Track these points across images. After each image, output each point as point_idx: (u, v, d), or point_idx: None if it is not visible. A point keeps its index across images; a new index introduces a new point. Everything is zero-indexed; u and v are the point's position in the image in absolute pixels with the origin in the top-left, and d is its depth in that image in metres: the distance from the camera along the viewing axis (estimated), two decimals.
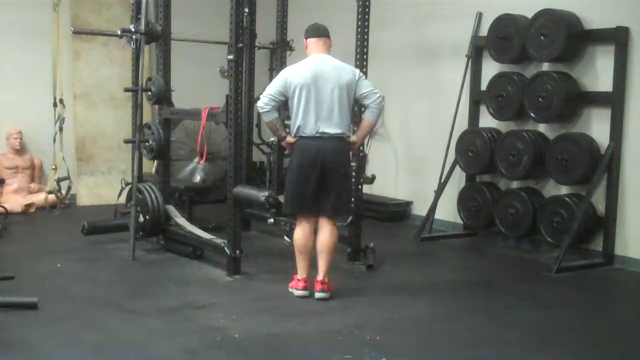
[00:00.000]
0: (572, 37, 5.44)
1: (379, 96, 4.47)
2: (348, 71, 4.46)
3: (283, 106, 4.54)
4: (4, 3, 7.23)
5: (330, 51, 4.53)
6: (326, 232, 4.45)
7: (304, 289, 4.45)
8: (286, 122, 4.70)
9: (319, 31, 4.52)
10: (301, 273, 4.48)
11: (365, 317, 4.13)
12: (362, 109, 4.76)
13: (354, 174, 5.17)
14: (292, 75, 4.39)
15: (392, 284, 4.86)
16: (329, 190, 4.39)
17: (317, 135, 4.36)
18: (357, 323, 3.99)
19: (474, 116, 6.40)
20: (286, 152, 4.78)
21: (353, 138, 4.53)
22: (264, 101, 4.37)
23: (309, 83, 4.34)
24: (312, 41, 4.51)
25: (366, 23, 5.21)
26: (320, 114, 4.34)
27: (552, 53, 5.52)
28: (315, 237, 4.48)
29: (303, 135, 4.38)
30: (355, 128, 4.76)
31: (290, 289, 4.52)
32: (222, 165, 7.01)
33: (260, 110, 4.42)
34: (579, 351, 3.71)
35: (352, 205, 5.03)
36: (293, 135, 4.43)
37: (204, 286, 4.68)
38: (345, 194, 4.56)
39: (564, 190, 5.72)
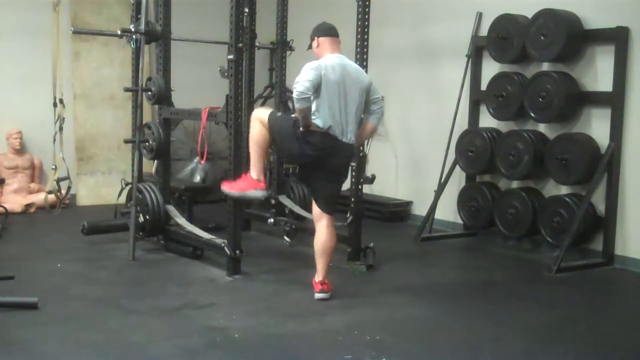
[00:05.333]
0: (572, 37, 5.44)
1: (383, 103, 4.53)
2: (365, 75, 4.50)
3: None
4: (4, 3, 7.23)
5: None
6: (325, 234, 4.44)
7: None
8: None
9: (332, 31, 4.50)
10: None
11: (365, 317, 4.13)
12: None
13: (353, 173, 5.21)
14: (326, 69, 4.25)
15: (392, 284, 4.86)
16: (330, 188, 4.42)
17: (341, 134, 4.32)
18: (357, 323, 3.98)
19: (474, 116, 6.40)
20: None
21: None
22: (306, 86, 4.13)
23: (340, 82, 4.28)
24: (326, 40, 4.46)
25: (366, 23, 5.22)
26: (348, 115, 4.32)
27: (552, 53, 5.52)
28: (313, 239, 4.49)
29: (329, 133, 4.29)
30: None
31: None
32: (222, 165, 7.01)
33: (302, 97, 4.12)
34: (579, 351, 3.70)
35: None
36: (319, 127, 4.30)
37: (204, 286, 4.68)
38: (337, 194, 4.58)
39: (564, 190, 5.72)
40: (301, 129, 4.30)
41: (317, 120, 4.27)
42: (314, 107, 4.25)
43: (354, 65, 4.48)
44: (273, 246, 5.76)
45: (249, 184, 4.36)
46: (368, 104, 4.48)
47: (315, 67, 4.25)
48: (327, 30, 4.50)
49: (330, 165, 4.37)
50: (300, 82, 4.17)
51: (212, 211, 6.54)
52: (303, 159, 4.45)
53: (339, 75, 4.29)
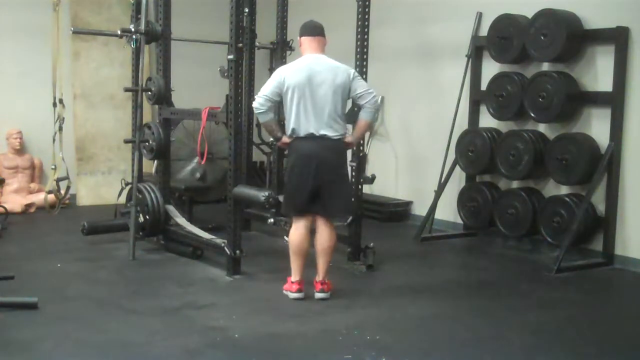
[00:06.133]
0: (572, 37, 5.44)
1: (374, 96, 4.42)
2: (342, 71, 4.39)
3: (279, 106, 4.53)
4: (4, 3, 7.23)
5: (328, 51, 4.49)
6: (325, 234, 4.43)
7: (299, 291, 4.41)
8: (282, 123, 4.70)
9: (314, 30, 4.47)
10: (295, 275, 4.43)
11: (365, 317, 4.13)
12: (357, 109, 4.75)
13: (353, 173, 5.20)
14: (287, 75, 4.33)
15: (392, 284, 4.86)
16: (326, 191, 4.37)
17: (312, 136, 4.32)
18: (357, 323, 3.98)
19: (474, 116, 6.40)
20: (286, 152, 4.77)
21: (349, 139, 4.50)
22: (260, 102, 4.33)
23: (303, 84, 4.29)
24: (306, 40, 4.45)
25: (366, 23, 5.22)
26: (315, 115, 4.31)
27: (552, 53, 5.52)
28: (313, 238, 4.47)
29: (298, 136, 4.35)
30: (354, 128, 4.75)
31: (284, 292, 4.48)
32: (222, 165, 7.00)
33: (256, 111, 4.39)
34: (579, 351, 3.71)
35: (351, 204, 5.03)
36: (288, 135, 4.40)
37: (204, 286, 4.68)
38: (344, 194, 4.53)
39: (564, 190, 5.72)
40: (277, 144, 4.49)
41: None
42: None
43: (328, 64, 4.38)
44: (273, 246, 5.76)
45: (288, 286, 4.50)
46: (354, 100, 4.45)
47: (278, 76, 4.37)
48: (310, 30, 4.48)
49: (320, 162, 4.32)
50: (257, 98, 4.36)
51: (212, 211, 6.54)
52: (304, 175, 4.35)
53: (303, 76, 4.30)
